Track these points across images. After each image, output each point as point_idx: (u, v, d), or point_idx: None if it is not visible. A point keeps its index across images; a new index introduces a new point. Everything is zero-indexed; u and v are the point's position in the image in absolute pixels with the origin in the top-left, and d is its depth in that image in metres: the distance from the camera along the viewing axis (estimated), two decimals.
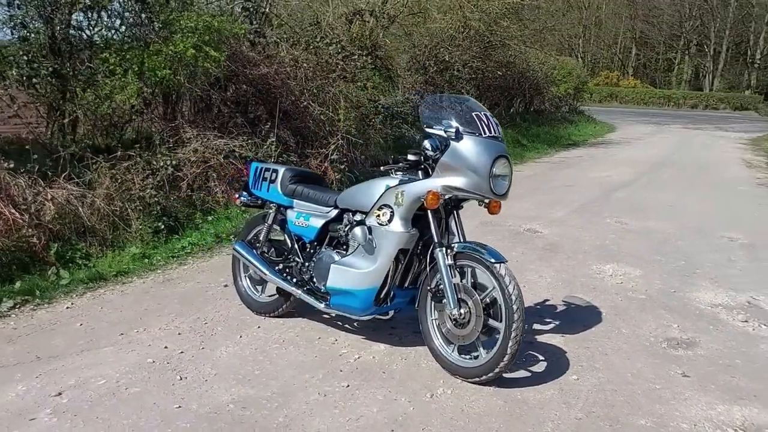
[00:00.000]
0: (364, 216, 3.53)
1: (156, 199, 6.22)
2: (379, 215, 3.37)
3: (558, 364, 3.48)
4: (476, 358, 3.26)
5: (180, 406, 2.99)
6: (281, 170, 4.01)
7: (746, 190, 10.28)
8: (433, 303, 3.43)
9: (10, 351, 3.59)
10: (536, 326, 4.05)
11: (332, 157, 8.41)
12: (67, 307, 4.30)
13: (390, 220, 3.33)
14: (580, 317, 4.23)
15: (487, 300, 3.19)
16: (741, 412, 3.01)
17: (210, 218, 6.60)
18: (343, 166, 8.38)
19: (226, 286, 4.75)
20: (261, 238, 4.10)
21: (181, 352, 3.59)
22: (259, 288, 4.24)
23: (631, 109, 36.59)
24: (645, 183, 10.50)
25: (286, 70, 8.73)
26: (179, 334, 3.87)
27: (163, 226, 6.05)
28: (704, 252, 6.00)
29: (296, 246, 3.93)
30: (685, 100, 40.49)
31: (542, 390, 3.19)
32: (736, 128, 26.77)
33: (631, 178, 10.94)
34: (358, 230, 3.40)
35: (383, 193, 3.39)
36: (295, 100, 8.53)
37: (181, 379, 3.27)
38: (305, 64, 9.06)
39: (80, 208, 5.76)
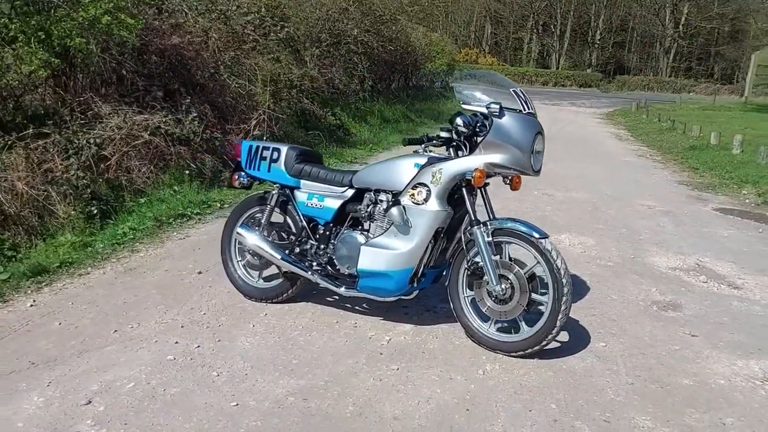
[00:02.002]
0: (389, 195, 3.46)
1: (84, 181, 5.67)
2: (413, 194, 3.32)
3: (578, 332, 3.63)
4: (517, 332, 3.33)
5: (237, 404, 2.78)
6: (284, 149, 3.80)
7: (631, 161, 11.22)
8: (465, 281, 3.45)
9: None
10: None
11: (254, 132, 8.09)
12: (31, 305, 3.83)
13: (426, 199, 3.29)
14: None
15: (527, 275, 3.27)
16: (757, 365, 3.32)
17: (142, 200, 6.12)
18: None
19: (200, 273, 4.46)
20: (263, 221, 3.87)
21: (198, 347, 3.34)
22: (256, 274, 4.02)
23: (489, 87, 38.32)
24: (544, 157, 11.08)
25: (197, 40, 8.22)
26: (182, 327, 3.59)
27: (95, 211, 5.54)
28: (635, 219, 6.50)
29: (307, 228, 3.77)
30: (537, 77, 43.13)
31: (582, 358, 3.32)
32: (586, 104, 28.97)
33: None
34: (395, 210, 3.31)
35: (418, 171, 3.33)
36: (213, 74, 8.08)
37: (218, 375, 3.04)
38: (215, 35, 8.59)
39: None
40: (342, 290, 3.60)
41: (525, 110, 3.23)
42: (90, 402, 2.76)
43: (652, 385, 3.06)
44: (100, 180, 5.99)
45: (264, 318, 3.73)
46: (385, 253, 3.36)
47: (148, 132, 6.52)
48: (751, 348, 3.53)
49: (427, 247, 3.35)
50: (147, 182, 6.45)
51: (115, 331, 3.51)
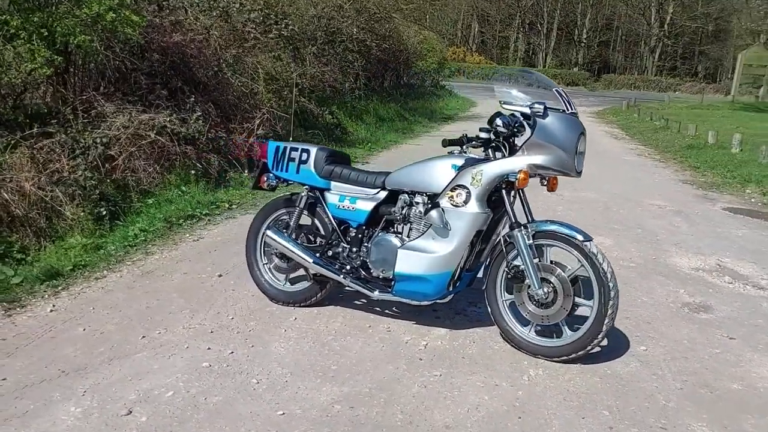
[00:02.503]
0: (425, 197, 3.38)
1: (92, 181, 5.53)
2: (452, 196, 3.24)
3: (615, 335, 3.57)
4: (559, 336, 3.27)
5: (284, 413, 2.69)
6: (313, 150, 3.71)
7: (630, 160, 11.23)
8: (503, 284, 3.38)
9: (19, 366, 3.03)
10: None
11: (258, 132, 7.98)
12: (51, 310, 3.71)
13: (466, 201, 3.21)
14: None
15: (569, 278, 3.20)
16: None
17: (150, 201, 5.99)
18: (262, 141, 7.97)
19: (220, 275, 4.37)
20: (291, 224, 3.78)
21: (231, 353, 3.24)
22: (282, 277, 3.93)
23: (478, 84, 38.33)
24: None
25: (198, 38, 8.08)
26: (212, 332, 3.49)
27: (104, 212, 5.41)
28: (648, 219, 6.48)
29: (338, 231, 3.68)
30: None
31: (625, 363, 3.27)
32: (576, 103, 28.98)
33: None
34: (434, 213, 3.24)
35: (457, 173, 3.25)
36: (216, 72, 7.95)
37: (257, 382, 2.95)
38: (216, 33, 8.46)
39: (5, 194, 5.01)
40: (375, 294, 3.52)
41: (568, 110, 3.16)
42: (131, 412, 2.66)
43: (701, 390, 3.01)
44: (108, 180, 5.86)
45: (294, 322, 3.64)
46: (423, 256, 3.28)
47: (155, 131, 6.39)
48: None
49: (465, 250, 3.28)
50: (153, 182, 6.33)
51: (143, 336, 3.41)
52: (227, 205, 6.37)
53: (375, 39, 15.11)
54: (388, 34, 16.84)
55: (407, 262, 3.32)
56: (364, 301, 3.94)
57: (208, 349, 3.28)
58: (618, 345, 3.46)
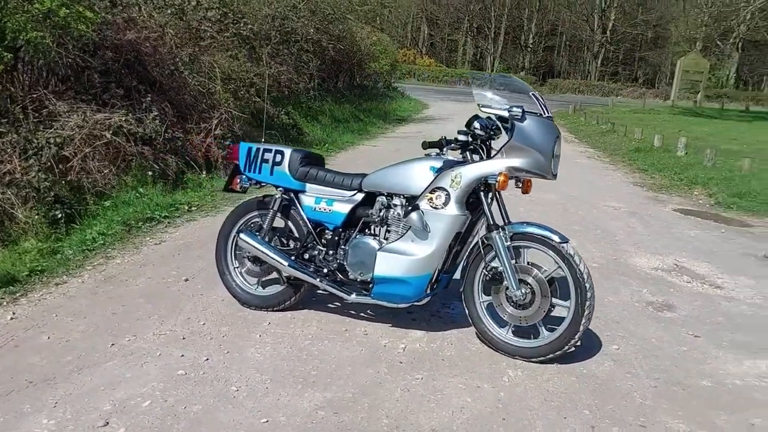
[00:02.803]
0: (403, 199, 3.38)
1: (46, 183, 5.33)
2: (431, 198, 3.25)
3: (588, 335, 3.59)
4: (536, 337, 3.31)
5: (267, 420, 2.64)
6: (288, 151, 3.66)
7: (582, 162, 11.49)
8: (481, 286, 3.40)
9: None
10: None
11: (216, 132, 7.83)
12: (12, 318, 3.56)
13: (445, 204, 3.22)
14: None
15: (547, 279, 3.25)
16: (764, 364, 3.41)
17: (107, 203, 5.81)
18: (228, 143, 7.84)
19: (186, 280, 4.26)
20: (264, 227, 3.71)
21: (206, 359, 3.16)
22: (254, 281, 3.86)
23: (429, 87, 38.66)
24: None
25: (153, 36, 7.88)
26: (184, 338, 3.40)
27: (60, 215, 5.23)
28: (606, 220, 6.64)
29: (314, 233, 3.63)
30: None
31: (599, 362, 3.33)
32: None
33: None
34: (414, 215, 3.23)
35: (437, 175, 3.26)
36: (173, 71, 7.76)
37: (237, 389, 2.88)
38: (171, 31, 8.27)
39: None
40: (352, 297, 3.49)
41: (544, 114, 3.20)
42: (107, 423, 2.57)
43: (674, 388, 3.09)
44: (62, 182, 5.65)
45: (268, 327, 3.58)
46: (403, 258, 3.28)
47: (111, 131, 6.20)
48: (752, 347, 3.63)
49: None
50: (109, 184, 6.13)
51: (112, 344, 3.29)
52: (187, 207, 6.22)
53: (329, 40, 15.05)
54: (343, 35, 16.80)
55: (386, 265, 3.31)
56: (338, 304, 3.91)
57: (182, 356, 3.20)
58: (590, 344, 3.52)
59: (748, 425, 2.80)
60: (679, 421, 2.80)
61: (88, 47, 6.80)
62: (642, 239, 5.95)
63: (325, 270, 3.57)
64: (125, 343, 3.32)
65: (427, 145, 3.32)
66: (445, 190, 3.22)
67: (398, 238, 3.33)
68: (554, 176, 3.23)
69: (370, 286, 3.41)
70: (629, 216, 6.93)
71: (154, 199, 6.10)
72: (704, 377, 3.23)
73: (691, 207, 7.83)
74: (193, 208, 6.25)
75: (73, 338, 3.35)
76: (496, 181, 3.12)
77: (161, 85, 7.63)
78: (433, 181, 3.26)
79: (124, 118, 6.42)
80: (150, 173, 6.53)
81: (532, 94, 3.26)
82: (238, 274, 3.86)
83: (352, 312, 3.82)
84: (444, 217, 3.22)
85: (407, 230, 3.31)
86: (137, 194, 6.13)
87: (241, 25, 9.12)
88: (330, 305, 3.90)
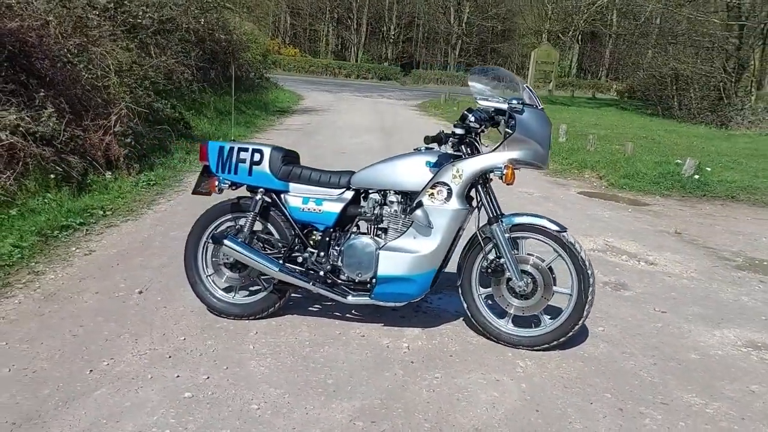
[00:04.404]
0: (399, 196, 3.30)
1: None
2: (433, 194, 3.19)
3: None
4: (537, 326, 3.36)
5: None
6: (267, 150, 3.42)
7: None
8: (478, 279, 3.40)
9: None
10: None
11: (115, 129, 7.22)
12: None
13: (448, 198, 3.18)
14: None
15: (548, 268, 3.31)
16: (731, 333, 3.70)
17: (13, 212, 5.18)
18: (129, 140, 7.28)
19: (140, 292, 3.90)
20: (245, 230, 3.46)
21: (207, 378, 2.91)
22: (225, 287, 3.60)
23: (296, 77, 38.09)
24: (396, 148, 11.28)
25: (35, 25, 7.12)
26: (169, 357, 3.10)
27: None
28: (528, 205, 6.88)
29: (302, 235, 3.44)
30: (340, 70, 43.88)
31: (594, 345, 3.44)
32: (394, 96, 30.06)
33: (381, 144, 11.65)
34: (419, 212, 3.15)
35: (435, 170, 3.20)
36: (66, 63, 7.05)
37: (258, 408, 2.67)
38: (55, 19, 7.51)
39: None
40: (349, 299, 3.35)
41: (538, 106, 3.25)
42: None
43: (670, 363, 3.27)
44: None
45: (257, 337, 3.36)
46: (408, 256, 3.19)
47: (8, 131, 5.53)
48: (714, 319, 3.92)
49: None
50: (10, 189, 5.47)
51: (91, 370, 2.93)
52: (102, 213, 5.69)
53: (208, 29, 14.40)
54: (218, 24, 16.14)
55: (390, 264, 3.20)
56: (319, 306, 3.75)
57: (177, 376, 2.92)
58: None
59: (749, 392, 3.01)
60: (693, 395, 2.95)
61: None
62: (567, 223, 6.19)
63: (321, 273, 3.39)
64: (105, 368, 2.97)
65: (429, 139, 3.24)
66: (446, 185, 3.18)
67: (399, 236, 3.24)
68: (546, 166, 3.29)
69: (370, 286, 3.30)
70: (545, 200, 7.26)
71: (64, 205, 5.52)
72: (690, 350, 3.44)
73: (591, 189, 8.34)
74: (107, 213, 5.73)
75: (40, 368, 2.95)
76: (503, 174, 3.11)
77: (51, 79, 6.91)
78: (434, 176, 3.19)
79: (18, 116, 5.74)
80: (52, 176, 5.90)
81: (526, 86, 3.29)
82: (212, 283, 3.58)
83: (338, 313, 3.67)
84: (447, 212, 3.18)
85: (408, 227, 3.23)
86: (44, 200, 5.52)
87: (139, 13, 8.43)
88: (311, 308, 3.74)
